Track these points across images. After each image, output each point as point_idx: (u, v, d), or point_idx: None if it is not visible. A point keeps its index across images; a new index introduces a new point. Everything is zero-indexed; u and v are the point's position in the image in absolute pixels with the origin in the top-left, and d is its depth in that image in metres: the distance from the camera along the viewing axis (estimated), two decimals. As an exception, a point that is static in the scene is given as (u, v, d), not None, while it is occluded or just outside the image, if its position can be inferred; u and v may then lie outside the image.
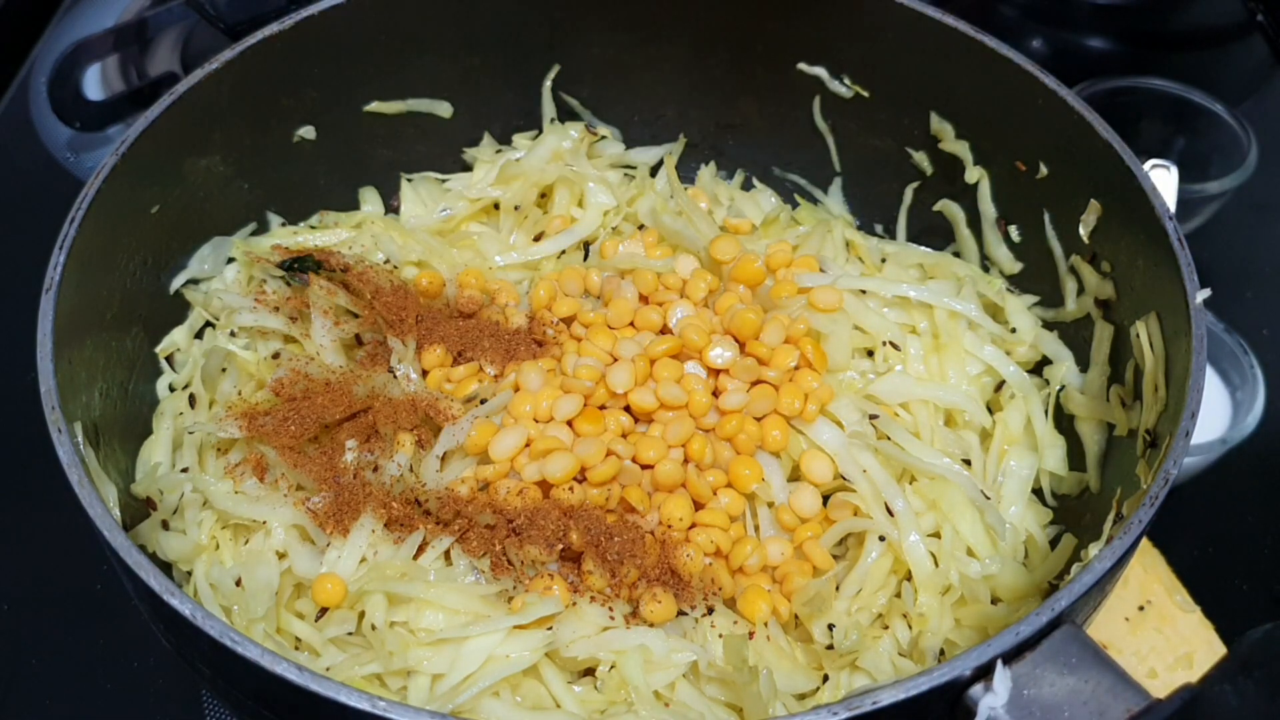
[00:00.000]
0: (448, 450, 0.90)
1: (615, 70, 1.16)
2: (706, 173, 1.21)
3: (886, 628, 0.86)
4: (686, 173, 1.21)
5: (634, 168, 1.18)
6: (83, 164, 1.38)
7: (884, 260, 1.08)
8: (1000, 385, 1.00)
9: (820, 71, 1.11)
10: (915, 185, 1.12)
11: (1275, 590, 1.06)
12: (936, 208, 1.11)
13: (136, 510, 0.87)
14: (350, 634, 0.82)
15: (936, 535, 0.89)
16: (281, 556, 0.86)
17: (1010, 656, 0.63)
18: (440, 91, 1.14)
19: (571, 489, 0.87)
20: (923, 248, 1.12)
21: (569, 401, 0.91)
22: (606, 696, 0.79)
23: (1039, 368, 1.01)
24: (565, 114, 1.18)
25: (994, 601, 0.86)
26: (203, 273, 1.03)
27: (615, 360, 0.95)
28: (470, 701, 0.76)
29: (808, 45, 1.10)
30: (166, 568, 0.85)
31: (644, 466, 0.89)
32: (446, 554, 0.85)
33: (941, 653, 0.83)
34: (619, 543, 0.84)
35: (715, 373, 0.94)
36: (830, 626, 0.83)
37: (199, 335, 1.03)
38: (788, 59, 1.11)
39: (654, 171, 1.18)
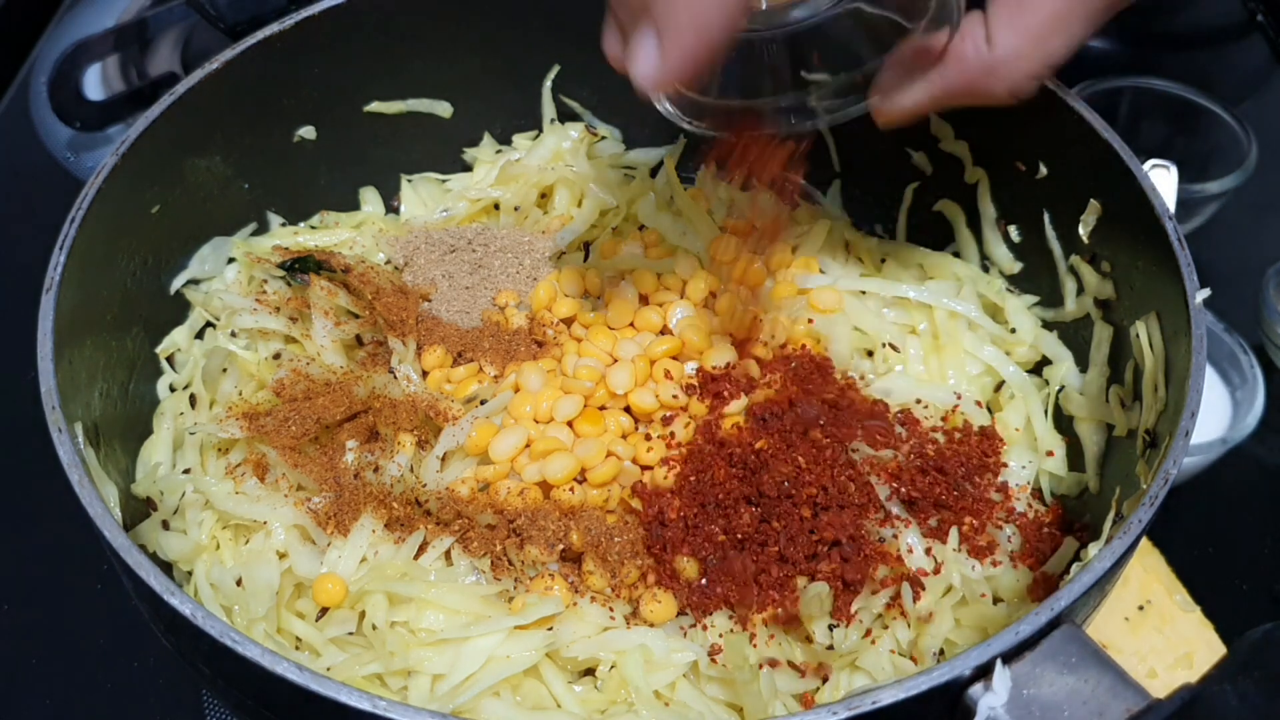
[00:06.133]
0: (448, 451, 0.90)
1: (615, 70, 1.15)
2: (706, 173, 1.21)
3: (886, 628, 0.86)
4: (686, 173, 1.20)
5: (634, 168, 1.18)
6: (83, 164, 1.38)
7: (884, 260, 1.08)
8: (1000, 385, 1.00)
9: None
10: (915, 185, 1.12)
11: (1275, 590, 1.06)
12: (936, 208, 1.10)
13: (137, 510, 0.87)
14: (351, 634, 0.82)
15: (936, 535, 0.89)
16: (282, 556, 0.86)
17: (1010, 656, 0.63)
18: (440, 91, 1.14)
19: (572, 489, 0.87)
20: (923, 248, 1.12)
21: (569, 402, 0.91)
22: (607, 696, 0.79)
23: (1039, 368, 1.01)
24: (565, 114, 1.18)
25: (994, 601, 0.86)
26: (203, 273, 1.03)
27: (615, 361, 0.95)
28: (471, 702, 0.76)
29: (808, 45, 1.10)
30: (167, 568, 0.85)
31: (644, 467, 0.89)
32: (447, 554, 0.85)
33: (941, 653, 0.83)
34: (619, 543, 0.84)
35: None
36: (830, 626, 0.83)
37: (199, 335, 1.02)
38: (788, 59, 1.11)
39: (654, 172, 1.18)
